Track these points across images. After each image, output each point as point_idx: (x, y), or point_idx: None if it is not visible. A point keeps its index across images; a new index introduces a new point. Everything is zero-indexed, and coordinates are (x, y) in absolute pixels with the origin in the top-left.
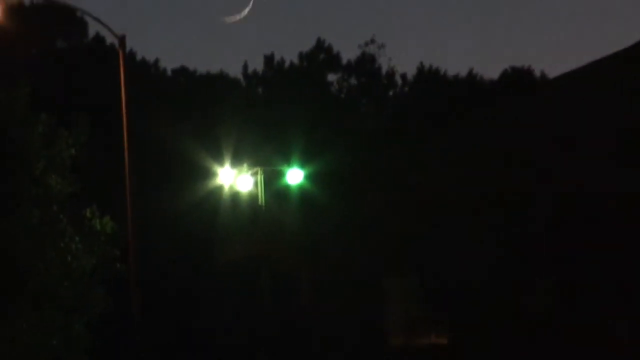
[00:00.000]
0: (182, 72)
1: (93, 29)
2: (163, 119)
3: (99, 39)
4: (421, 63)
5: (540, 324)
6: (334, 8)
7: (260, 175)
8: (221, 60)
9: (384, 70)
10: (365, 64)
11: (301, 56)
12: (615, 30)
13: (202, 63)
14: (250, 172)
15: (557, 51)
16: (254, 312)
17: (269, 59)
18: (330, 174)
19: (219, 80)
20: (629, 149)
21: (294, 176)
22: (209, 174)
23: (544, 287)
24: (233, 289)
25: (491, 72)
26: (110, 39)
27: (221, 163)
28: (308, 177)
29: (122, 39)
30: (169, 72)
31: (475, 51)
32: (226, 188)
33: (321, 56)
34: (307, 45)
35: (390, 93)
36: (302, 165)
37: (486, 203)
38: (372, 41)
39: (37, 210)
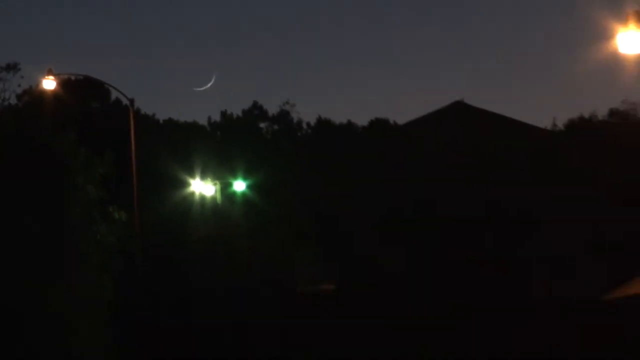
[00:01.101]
0: (169, 121)
1: (114, 94)
2: (157, 151)
3: (118, 101)
4: (319, 116)
5: (396, 279)
6: (269, 78)
7: (218, 185)
8: (194, 113)
9: (295, 120)
10: (283, 116)
11: (243, 111)
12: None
13: (182, 115)
14: (212, 183)
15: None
16: (213, 271)
17: (223, 113)
18: (261, 185)
19: (193, 127)
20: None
21: (239, 186)
22: (186, 185)
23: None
24: (201, 255)
25: (363, 120)
26: (124, 101)
27: (194, 178)
28: (248, 186)
29: (131, 101)
30: (161, 121)
31: (354, 104)
32: (197, 194)
33: (255, 111)
34: (247, 104)
35: (299, 134)
36: (244, 179)
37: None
38: (288, 102)
39: (78, 208)
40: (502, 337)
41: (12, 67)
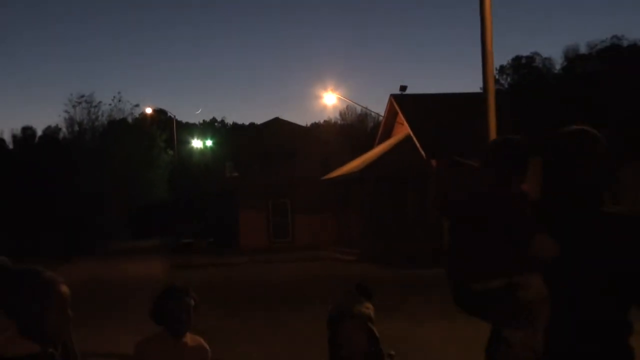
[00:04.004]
0: (186, 122)
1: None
2: (181, 133)
3: (170, 117)
4: (234, 121)
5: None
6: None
7: (203, 142)
8: (195, 118)
9: (225, 121)
10: (222, 121)
11: (211, 120)
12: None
13: (191, 118)
14: (200, 142)
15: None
16: (191, 176)
17: (202, 121)
18: (213, 145)
19: (193, 125)
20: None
21: (208, 143)
22: (189, 143)
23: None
24: (193, 166)
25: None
26: (172, 115)
27: (193, 139)
28: (213, 143)
29: (174, 116)
30: (183, 122)
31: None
32: (194, 146)
33: (212, 120)
34: (210, 116)
35: (226, 128)
36: (211, 140)
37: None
38: (224, 117)
39: (157, 150)
40: None
41: (136, 105)
